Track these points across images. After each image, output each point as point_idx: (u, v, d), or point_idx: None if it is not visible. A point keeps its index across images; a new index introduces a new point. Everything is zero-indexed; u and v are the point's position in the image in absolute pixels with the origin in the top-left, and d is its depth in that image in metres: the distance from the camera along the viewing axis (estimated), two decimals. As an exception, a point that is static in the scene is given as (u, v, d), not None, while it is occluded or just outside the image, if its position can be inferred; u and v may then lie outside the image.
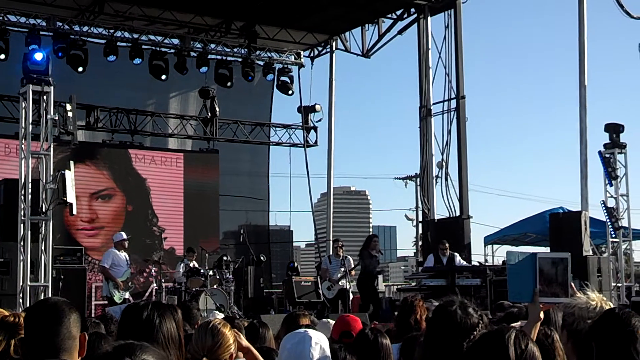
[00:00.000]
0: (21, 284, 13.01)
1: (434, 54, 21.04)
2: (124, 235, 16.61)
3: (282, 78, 23.98)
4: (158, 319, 3.66)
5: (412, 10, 21.84)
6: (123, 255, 16.19)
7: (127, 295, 15.98)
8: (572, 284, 4.02)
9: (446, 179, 20.43)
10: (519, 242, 25.27)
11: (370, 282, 17.77)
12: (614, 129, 19.22)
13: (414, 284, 20.41)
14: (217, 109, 22.76)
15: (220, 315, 8.34)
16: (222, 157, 22.95)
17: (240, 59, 23.22)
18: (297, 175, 25.23)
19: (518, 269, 3.96)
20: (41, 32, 20.07)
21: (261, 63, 23.83)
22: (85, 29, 21.15)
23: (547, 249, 19.77)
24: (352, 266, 17.79)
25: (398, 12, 22.47)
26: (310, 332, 4.31)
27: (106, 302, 16.50)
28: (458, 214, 20.08)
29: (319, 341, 4.23)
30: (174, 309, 3.81)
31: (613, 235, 19.15)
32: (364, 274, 17.67)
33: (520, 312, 5.08)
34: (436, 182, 20.79)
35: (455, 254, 17.48)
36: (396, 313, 8.17)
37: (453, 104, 20.58)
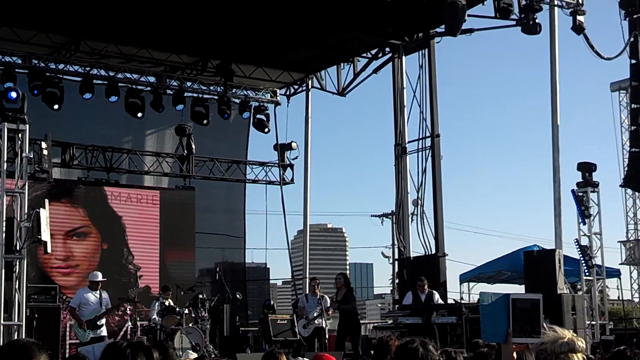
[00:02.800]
0: (-6, 323, 12.88)
1: (409, 93, 21.22)
2: (99, 277, 16.24)
3: (259, 116, 24.10)
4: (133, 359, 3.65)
5: (387, 49, 22.05)
6: (96, 293, 15.93)
7: (99, 333, 15.71)
8: (545, 324, 4.08)
9: (421, 217, 20.51)
10: (494, 280, 25.37)
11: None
12: (586, 168, 19.46)
13: (390, 322, 20.36)
14: (194, 146, 22.80)
15: (194, 355, 8.32)
16: (198, 195, 22.92)
17: (216, 97, 23.34)
18: (274, 212, 25.28)
19: (491, 310, 4.02)
20: (17, 70, 20.09)
21: (237, 101, 23.94)
22: (61, 66, 21.15)
23: (522, 287, 19.88)
24: (329, 305, 17.74)
25: (373, 52, 22.70)
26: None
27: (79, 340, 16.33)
28: (434, 251, 20.13)
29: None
30: (151, 350, 3.81)
31: (587, 274, 19.27)
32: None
33: (490, 352, 5.14)
34: (412, 220, 20.85)
35: (434, 291, 17.49)
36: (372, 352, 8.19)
37: (428, 142, 20.72)
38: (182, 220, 22.19)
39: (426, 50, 20.92)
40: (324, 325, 17.49)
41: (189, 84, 23.05)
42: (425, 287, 17.27)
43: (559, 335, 3.92)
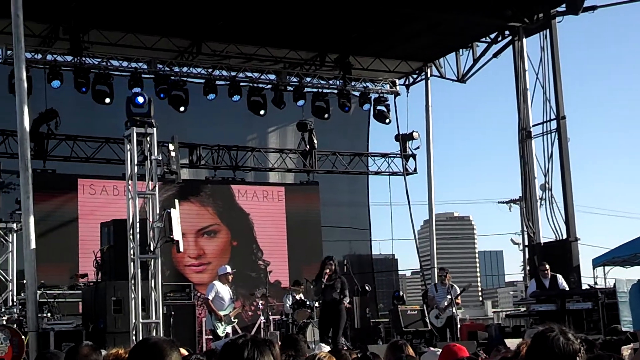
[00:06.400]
0: (134, 321, 13.30)
1: (531, 75, 20.78)
2: (229, 269, 16.67)
3: (379, 107, 24.03)
4: (257, 356, 3.67)
5: (507, 32, 21.64)
6: (227, 288, 16.29)
7: (229, 329, 16.01)
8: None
9: (551, 202, 20.05)
10: (630, 264, 24.42)
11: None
12: None
13: (523, 309, 20.01)
14: (316, 141, 22.97)
15: (327, 348, 8.36)
16: (322, 189, 23.12)
17: (336, 91, 23.41)
18: (398, 203, 25.11)
19: (627, 297, 3.89)
20: (143, 75, 20.71)
21: (357, 93, 23.94)
22: (184, 69, 21.71)
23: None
24: (459, 293, 17.59)
25: (492, 36, 22.30)
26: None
27: (212, 336, 16.67)
28: (565, 236, 19.65)
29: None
30: (271, 344, 3.84)
31: None
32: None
33: (621, 340, 5.01)
34: (540, 205, 20.42)
35: (558, 275, 17.07)
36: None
37: (553, 124, 20.23)
38: (308, 215, 22.42)
39: (547, 30, 20.41)
40: (455, 314, 17.37)
41: (308, 79, 23.21)
42: (548, 271, 16.87)
43: None
